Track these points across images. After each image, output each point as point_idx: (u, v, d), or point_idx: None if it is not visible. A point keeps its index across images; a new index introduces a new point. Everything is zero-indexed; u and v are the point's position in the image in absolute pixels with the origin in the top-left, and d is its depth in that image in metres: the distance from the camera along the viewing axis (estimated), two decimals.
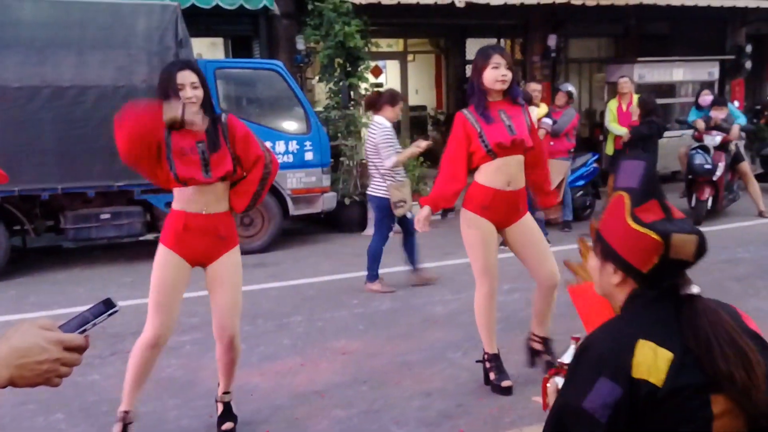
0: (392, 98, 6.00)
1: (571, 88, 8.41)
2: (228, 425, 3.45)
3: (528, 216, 3.85)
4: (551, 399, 1.71)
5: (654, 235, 1.49)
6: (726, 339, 1.42)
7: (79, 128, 6.63)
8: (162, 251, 3.21)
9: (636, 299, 1.55)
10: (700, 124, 8.66)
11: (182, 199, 3.20)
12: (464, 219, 3.81)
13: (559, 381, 1.73)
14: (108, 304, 1.24)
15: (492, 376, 3.88)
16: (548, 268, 3.78)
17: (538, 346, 3.97)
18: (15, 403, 3.87)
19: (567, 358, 1.77)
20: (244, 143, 3.26)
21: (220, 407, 3.51)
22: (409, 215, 6.47)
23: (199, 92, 3.14)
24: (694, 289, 1.50)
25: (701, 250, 1.49)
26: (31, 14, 6.51)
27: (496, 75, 3.61)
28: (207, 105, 3.21)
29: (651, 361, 1.41)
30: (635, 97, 8.80)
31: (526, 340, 4.06)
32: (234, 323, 3.31)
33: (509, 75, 3.64)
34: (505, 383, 3.82)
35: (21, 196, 6.65)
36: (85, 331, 1.19)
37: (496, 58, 3.61)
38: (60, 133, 6.57)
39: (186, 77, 3.11)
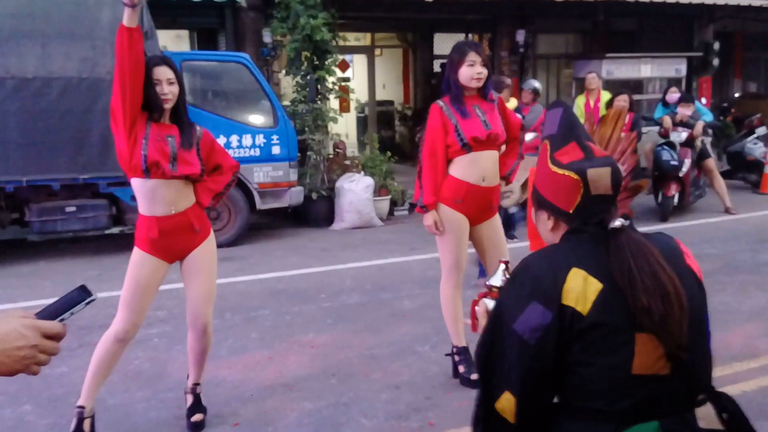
0: (497, 84, 5.98)
1: (536, 84, 8.50)
2: (198, 417, 3.46)
3: (497, 217, 3.90)
4: (481, 320, 1.77)
5: (572, 174, 1.57)
6: (647, 270, 1.47)
7: (43, 120, 6.54)
8: (138, 253, 3.21)
9: (570, 235, 1.60)
10: (668, 122, 8.77)
11: (147, 200, 3.15)
12: (439, 210, 3.80)
13: (489, 302, 1.78)
14: (84, 291, 1.24)
15: (461, 369, 3.91)
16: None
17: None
18: None
19: (495, 280, 1.82)
20: (216, 154, 3.34)
21: (190, 399, 3.52)
22: (513, 209, 6.54)
23: (175, 89, 3.14)
24: (617, 223, 1.55)
25: (616, 181, 1.57)
26: None
27: (471, 73, 3.64)
28: (181, 103, 3.21)
29: (580, 289, 1.46)
30: (603, 94, 8.91)
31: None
32: (208, 311, 3.35)
33: (484, 72, 3.66)
34: (474, 376, 3.83)
35: None
36: (63, 319, 1.21)
37: (472, 56, 3.63)
38: (24, 125, 6.47)
39: (163, 73, 3.10)
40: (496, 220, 3.90)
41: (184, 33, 10.69)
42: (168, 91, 3.11)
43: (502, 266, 1.82)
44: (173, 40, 10.60)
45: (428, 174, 3.74)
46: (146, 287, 3.19)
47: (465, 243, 3.84)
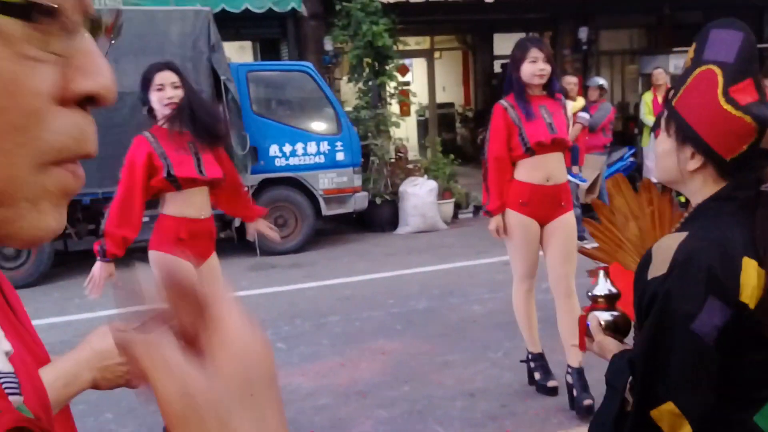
0: (565, 93, 5.99)
1: (602, 81, 8.32)
2: None
3: (569, 215, 3.72)
4: (596, 335, 1.56)
5: (749, 120, 1.32)
6: None
7: (117, 134, 6.70)
8: (159, 256, 3.17)
9: (722, 205, 1.38)
10: None
11: (177, 203, 3.17)
12: (506, 216, 3.70)
13: (600, 315, 1.57)
14: None
15: (537, 376, 3.81)
16: (561, 272, 3.63)
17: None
18: None
19: (600, 290, 1.61)
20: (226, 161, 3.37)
21: None
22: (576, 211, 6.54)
23: (180, 92, 3.09)
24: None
25: None
26: None
27: (533, 69, 3.50)
28: (192, 107, 3.16)
29: (755, 283, 1.28)
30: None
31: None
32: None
33: (547, 69, 3.52)
34: (551, 383, 3.75)
35: None
36: None
37: (534, 52, 3.50)
38: (99, 139, 6.53)
39: (166, 77, 3.08)
40: (567, 219, 3.69)
41: (247, 44, 10.90)
42: (173, 94, 3.08)
43: (602, 273, 1.63)
44: (236, 51, 10.81)
45: (494, 178, 3.64)
46: None
47: (534, 247, 3.70)
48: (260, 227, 3.55)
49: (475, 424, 3.54)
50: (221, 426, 0.46)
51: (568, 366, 3.64)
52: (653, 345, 1.34)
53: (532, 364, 3.86)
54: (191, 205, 3.17)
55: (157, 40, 6.89)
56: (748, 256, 1.30)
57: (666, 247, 1.36)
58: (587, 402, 3.48)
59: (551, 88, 3.63)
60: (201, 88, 6.95)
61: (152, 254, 3.21)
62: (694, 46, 1.44)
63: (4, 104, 0.43)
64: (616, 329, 1.55)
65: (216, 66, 7.00)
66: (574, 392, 3.58)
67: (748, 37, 1.39)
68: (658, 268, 1.35)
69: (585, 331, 1.61)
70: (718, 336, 1.27)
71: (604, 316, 1.57)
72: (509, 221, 3.67)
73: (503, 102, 3.62)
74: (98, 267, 3.14)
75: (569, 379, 3.63)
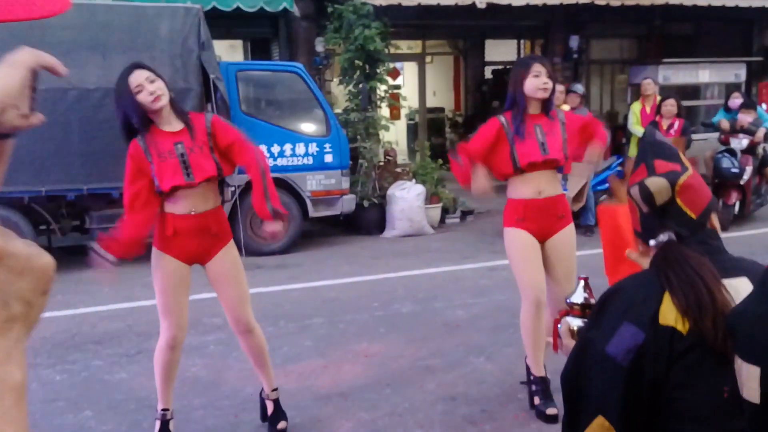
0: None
1: (581, 88, 8.37)
2: (282, 424, 3.44)
3: (569, 229, 3.66)
4: (564, 340, 1.74)
5: (629, 196, 1.59)
6: (683, 278, 1.45)
7: (104, 130, 6.69)
8: (156, 254, 3.20)
9: (658, 252, 1.57)
10: (725, 124, 8.57)
11: (167, 202, 3.15)
12: (505, 235, 3.68)
13: (571, 321, 1.74)
14: None
15: (536, 400, 3.65)
16: (558, 290, 3.56)
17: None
18: (45, 400, 3.94)
19: (577, 297, 1.76)
20: (231, 142, 3.19)
21: (271, 406, 3.50)
22: None
23: (160, 83, 3.02)
24: (660, 237, 1.54)
25: (646, 196, 1.55)
26: (56, 17, 6.56)
27: (537, 83, 3.48)
28: (177, 101, 3.14)
29: (676, 314, 1.42)
30: (659, 99, 8.72)
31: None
32: (246, 312, 3.30)
33: (551, 83, 3.51)
34: (550, 411, 3.55)
35: (47, 196, 6.75)
36: None
37: (537, 67, 3.49)
38: (86, 135, 6.66)
39: (139, 76, 3.00)
40: (566, 233, 3.65)
41: (238, 43, 10.87)
42: (153, 88, 3.00)
43: (582, 282, 1.77)
44: (227, 50, 10.79)
45: (462, 153, 3.59)
46: (173, 288, 3.18)
47: (538, 262, 3.60)
48: (268, 228, 3.38)
49: (455, 428, 3.53)
50: None
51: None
52: (577, 367, 1.52)
53: (533, 387, 3.69)
54: (181, 202, 3.13)
55: (146, 36, 6.86)
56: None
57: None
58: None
59: (548, 107, 3.60)
60: (190, 86, 6.94)
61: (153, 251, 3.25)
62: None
63: None
64: None
65: (205, 64, 6.97)
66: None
67: (645, 132, 1.70)
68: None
69: (558, 333, 1.77)
70: (634, 358, 1.41)
71: (576, 323, 1.72)
72: (509, 238, 3.65)
73: (501, 117, 3.59)
74: None
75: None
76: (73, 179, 6.70)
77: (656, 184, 1.54)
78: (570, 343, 1.71)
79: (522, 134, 3.50)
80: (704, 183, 1.63)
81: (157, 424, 3.32)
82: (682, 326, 1.41)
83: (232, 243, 3.31)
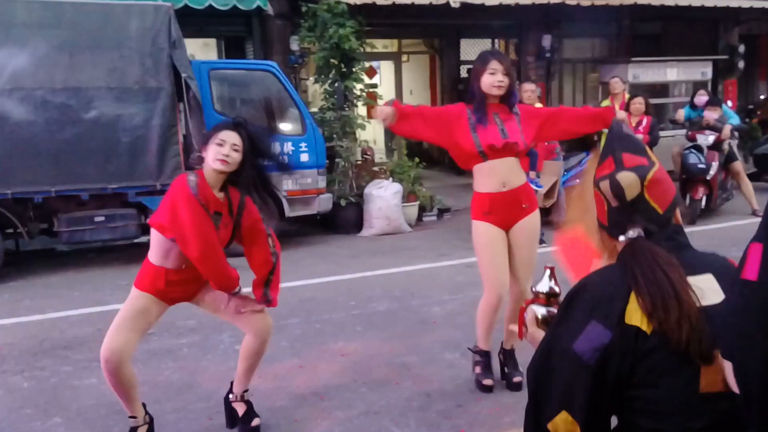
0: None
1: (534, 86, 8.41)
2: (256, 421, 3.43)
3: (532, 217, 3.78)
4: (530, 327, 1.76)
5: (595, 188, 1.61)
6: (650, 276, 1.46)
7: (72, 130, 6.58)
8: (137, 293, 3.13)
9: (625, 249, 1.57)
10: (680, 114, 8.80)
11: (161, 255, 3.11)
12: (472, 228, 3.81)
13: (537, 309, 1.76)
14: None
15: (477, 370, 3.92)
16: (516, 276, 3.78)
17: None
18: (12, 408, 3.83)
19: (542, 286, 1.78)
20: (252, 231, 3.31)
21: (242, 407, 3.46)
22: None
23: (237, 156, 3.04)
24: (629, 233, 1.55)
25: (617, 191, 1.55)
26: (22, 15, 6.45)
27: (492, 81, 3.62)
28: (242, 176, 3.13)
29: (641, 315, 1.44)
30: (628, 98, 8.81)
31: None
32: (265, 320, 3.41)
33: (506, 81, 3.63)
34: (486, 382, 3.84)
35: (14, 198, 6.58)
36: None
37: (494, 64, 3.62)
38: (53, 136, 6.52)
39: (230, 137, 3.04)
40: (529, 221, 3.77)
41: (212, 41, 10.75)
42: (228, 153, 3.01)
43: (548, 272, 1.80)
44: (201, 49, 10.67)
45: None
46: (143, 318, 3.13)
47: (503, 255, 3.74)
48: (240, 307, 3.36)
49: (430, 424, 3.50)
50: None
51: (502, 346, 4.00)
52: (542, 361, 1.53)
53: (476, 357, 3.95)
54: (174, 259, 3.14)
55: (114, 35, 6.74)
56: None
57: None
58: (517, 379, 3.84)
59: (510, 101, 3.73)
60: (161, 85, 6.84)
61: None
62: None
63: None
64: (548, 324, 1.71)
65: (177, 63, 6.86)
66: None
67: (612, 126, 1.69)
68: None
69: (524, 321, 1.79)
70: (601, 356, 1.43)
71: (541, 311, 1.75)
72: (476, 231, 3.78)
73: (467, 106, 3.75)
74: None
75: (502, 357, 3.99)
76: (41, 181, 6.55)
77: (628, 178, 1.55)
78: (535, 330, 1.73)
79: (484, 122, 3.65)
80: (669, 178, 1.64)
81: None
82: (646, 326, 1.42)
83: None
